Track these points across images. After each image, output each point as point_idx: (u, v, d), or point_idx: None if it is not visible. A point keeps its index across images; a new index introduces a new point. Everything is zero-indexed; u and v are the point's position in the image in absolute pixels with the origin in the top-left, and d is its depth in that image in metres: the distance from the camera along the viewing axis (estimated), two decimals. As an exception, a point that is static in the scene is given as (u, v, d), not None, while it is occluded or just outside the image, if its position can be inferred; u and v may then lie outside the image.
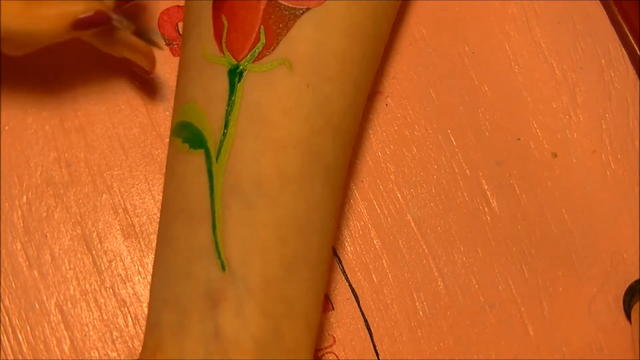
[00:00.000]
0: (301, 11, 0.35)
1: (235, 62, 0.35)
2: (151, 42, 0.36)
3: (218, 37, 0.36)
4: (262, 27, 0.35)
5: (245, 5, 0.36)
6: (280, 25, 0.35)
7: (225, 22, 0.36)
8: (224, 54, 0.36)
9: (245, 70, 0.35)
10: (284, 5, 0.35)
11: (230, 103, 0.35)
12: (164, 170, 0.43)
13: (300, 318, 0.35)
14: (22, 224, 0.42)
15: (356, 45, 0.37)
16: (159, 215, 0.43)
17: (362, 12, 0.36)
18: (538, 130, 0.45)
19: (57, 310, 0.42)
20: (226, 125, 0.35)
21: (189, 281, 0.34)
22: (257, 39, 0.35)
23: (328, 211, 0.36)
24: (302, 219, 0.35)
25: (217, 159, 0.35)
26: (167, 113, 0.43)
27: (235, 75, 0.35)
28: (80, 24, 0.34)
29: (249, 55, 0.35)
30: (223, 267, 0.34)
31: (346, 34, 0.36)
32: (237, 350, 0.33)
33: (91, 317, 0.42)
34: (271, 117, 0.35)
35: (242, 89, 0.35)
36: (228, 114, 0.35)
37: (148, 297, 0.42)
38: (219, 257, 0.34)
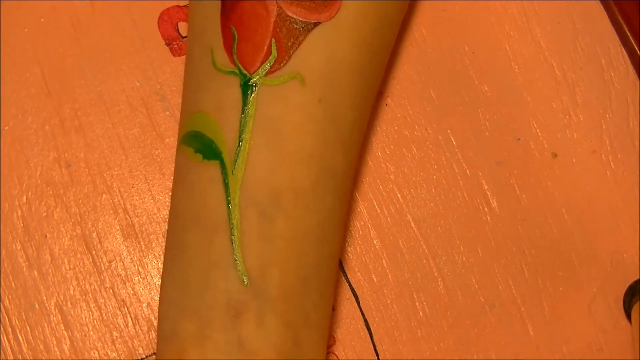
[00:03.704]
0: (312, 25, 0.35)
1: (247, 75, 0.35)
2: None
3: (228, 47, 0.36)
4: (273, 40, 0.35)
5: (254, 17, 0.36)
6: (292, 39, 0.35)
7: (235, 33, 0.36)
8: (235, 65, 0.36)
9: (259, 83, 0.35)
10: (295, 19, 0.35)
11: (244, 115, 0.35)
12: (164, 170, 0.43)
13: (315, 328, 0.35)
14: (22, 224, 0.42)
15: (364, 58, 0.37)
16: (159, 215, 0.43)
17: (369, 25, 0.36)
18: (538, 130, 0.45)
19: (57, 310, 0.42)
20: (240, 138, 0.35)
21: (208, 292, 0.34)
22: (269, 52, 0.35)
23: (338, 223, 0.36)
24: (315, 231, 0.35)
25: (232, 171, 0.35)
26: (167, 113, 0.43)
27: (248, 87, 0.35)
28: None
29: (261, 69, 0.35)
30: (244, 279, 0.34)
31: (355, 47, 0.36)
32: None
33: (91, 317, 0.42)
34: (284, 131, 0.35)
35: (255, 102, 0.35)
36: (242, 126, 0.35)
37: (148, 297, 0.42)
38: (239, 269, 0.34)
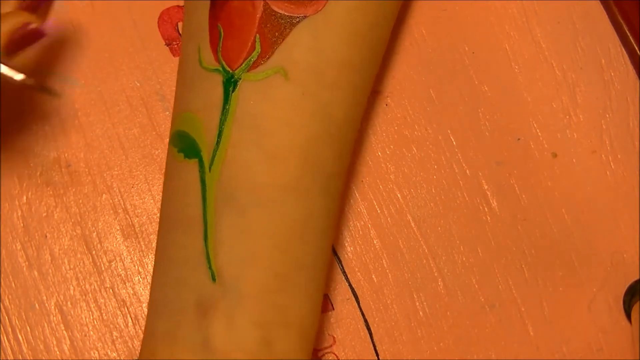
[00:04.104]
0: (297, 19, 0.35)
1: (230, 72, 0.35)
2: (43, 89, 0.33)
3: (214, 46, 0.36)
4: (257, 35, 0.35)
5: (241, 14, 0.36)
6: (276, 33, 0.35)
7: (221, 31, 0.36)
8: (219, 62, 0.36)
9: (240, 79, 0.35)
10: (280, 14, 0.35)
11: (224, 112, 0.35)
12: (164, 170, 0.43)
13: (293, 326, 0.35)
14: (22, 224, 0.42)
15: (356, 52, 0.36)
16: (158, 215, 0.43)
17: (363, 18, 0.36)
18: (538, 130, 0.45)
19: (57, 310, 0.42)
20: (220, 135, 0.35)
21: (182, 290, 0.34)
22: (253, 48, 0.35)
23: (326, 218, 0.36)
24: (298, 226, 0.35)
25: (210, 169, 0.35)
26: (167, 113, 0.43)
27: (230, 84, 0.35)
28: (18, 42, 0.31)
29: (243, 64, 0.35)
30: (213, 277, 0.34)
31: (346, 40, 0.36)
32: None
33: (91, 317, 0.42)
34: (266, 126, 0.35)
35: (236, 98, 0.35)
36: (222, 123, 0.35)
37: (148, 298, 0.42)
38: (210, 266, 0.34)
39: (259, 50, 0.35)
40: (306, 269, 0.35)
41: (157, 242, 0.37)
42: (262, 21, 0.35)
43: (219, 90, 0.35)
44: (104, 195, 0.43)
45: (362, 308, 0.43)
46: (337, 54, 0.36)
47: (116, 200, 0.43)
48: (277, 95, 0.35)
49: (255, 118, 0.35)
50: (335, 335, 0.43)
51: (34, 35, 0.30)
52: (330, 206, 0.36)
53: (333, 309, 0.43)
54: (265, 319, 0.34)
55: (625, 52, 0.45)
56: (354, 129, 0.38)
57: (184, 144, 0.36)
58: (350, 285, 0.43)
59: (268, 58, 0.35)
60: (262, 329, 0.34)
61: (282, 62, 0.35)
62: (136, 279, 0.42)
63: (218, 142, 0.35)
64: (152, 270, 0.42)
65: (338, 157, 0.36)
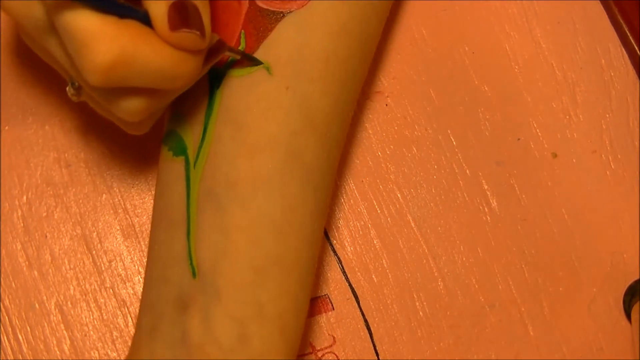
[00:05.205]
0: (282, 15, 0.35)
1: (215, 68, 0.35)
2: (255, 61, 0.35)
3: None
4: (242, 32, 0.35)
5: (227, 10, 0.36)
6: (261, 29, 0.35)
7: None
8: None
9: (224, 75, 0.35)
10: (266, 10, 0.35)
11: (209, 109, 0.35)
12: (164, 170, 0.43)
13: (271, 321, 0.34)
14: (22, 224, 0.42)
15: (342, 45, 0.36)
16: (159, 215, 0.43)
17: (349, 11, 0.36)
18: (538, 130, 0.45)
19: (57, 310, 0.42)
20: (205, 131, 0.35)
21: (164, 286, 0.35)
22: (238, 44, 0.35)
23: (308, 212, 0.36)
24: (277, 220, 0.35)
25: (194, 165, 0.35)
26: (167, 113, 0.43)
27: (214, 80, 0.35)
28: (214, 51, 0.33)
29: (228, 60, 0.35)
30: (194, 273, 0.34)
31: (330, 34, 0.36)
32: (201, 355, 0.33)
33: (91, 317, 0.42)
34: (248, 121, 0.35)
35: (221, 94, 0.35)
36: (207, 119, 0.35)
37: (148, 297, 0.42)
38: (191, 262, 0.34)
39: (244, 46, 0.35)
40: (285, 263, 0.35)
41: (149, 240, 0.37)
42: (247, 17, 0.35)
43: (205, 87, 0.35)
44: (104, 195, 0.43)
45: (362, 308, 0.43)
46: (321, 49, 0.36)
47: (116, 200, 0.43)
48: (260, 89, 0.35)
49: (239, 113, 0.35)
50: (335, 335, 0.43)
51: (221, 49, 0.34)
52: (312, 200, 0.36)
53: (333, 309, 0.43)
54: (242, 314, 0.34)
55: (625, 52, 0.45)
56: (340, 122, 0.38)
57: (173, 142, 0.36)
58: (350, 285, 0.43)
59: (252, 53, 0.35)
60: (239, 324, 0.34)
61: (266, 57, 0.35)
62: (136, 278, 0.42)
63: (203, 139, 0.35)
64: (152, 270, 0.42)
65: (321, 150, 0.36)
